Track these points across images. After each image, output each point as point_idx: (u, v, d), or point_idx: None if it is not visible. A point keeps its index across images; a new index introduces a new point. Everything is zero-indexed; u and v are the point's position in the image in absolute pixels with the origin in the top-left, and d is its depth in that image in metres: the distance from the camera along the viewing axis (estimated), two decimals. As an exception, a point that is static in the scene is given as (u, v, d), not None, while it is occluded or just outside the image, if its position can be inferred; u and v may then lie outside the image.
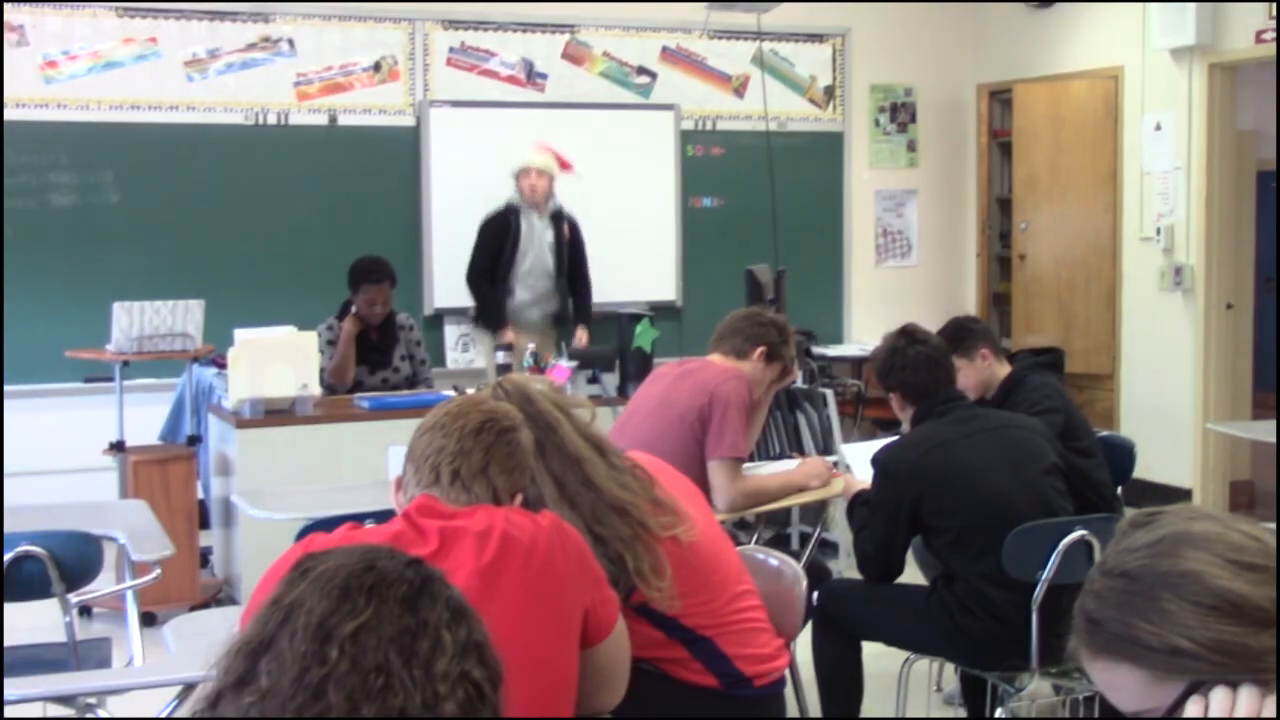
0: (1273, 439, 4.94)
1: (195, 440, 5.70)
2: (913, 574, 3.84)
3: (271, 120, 6.96)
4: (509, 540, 2.15)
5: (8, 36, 6.49)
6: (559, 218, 6.82)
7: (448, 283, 7.24)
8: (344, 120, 7.09)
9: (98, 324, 5.65)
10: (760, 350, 4.00)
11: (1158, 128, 7.18)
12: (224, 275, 6.74)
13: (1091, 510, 3.60)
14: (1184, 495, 6.97)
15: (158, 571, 3.58)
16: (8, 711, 2.58)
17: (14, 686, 2.60)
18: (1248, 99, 7.31)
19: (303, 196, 7.02)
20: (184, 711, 2.61)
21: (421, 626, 1.25)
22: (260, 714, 1.20)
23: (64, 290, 6.55)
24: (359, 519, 2.62)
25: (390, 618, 1.24)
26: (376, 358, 5.96)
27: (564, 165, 6.93)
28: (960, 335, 4.34)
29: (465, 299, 7.26)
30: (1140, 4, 7.17)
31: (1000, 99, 8.32)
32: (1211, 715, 1.25)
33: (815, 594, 3.59)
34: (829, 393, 6.10)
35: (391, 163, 7.18)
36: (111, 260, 6.63)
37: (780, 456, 5.44)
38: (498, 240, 6.71)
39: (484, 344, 6.91)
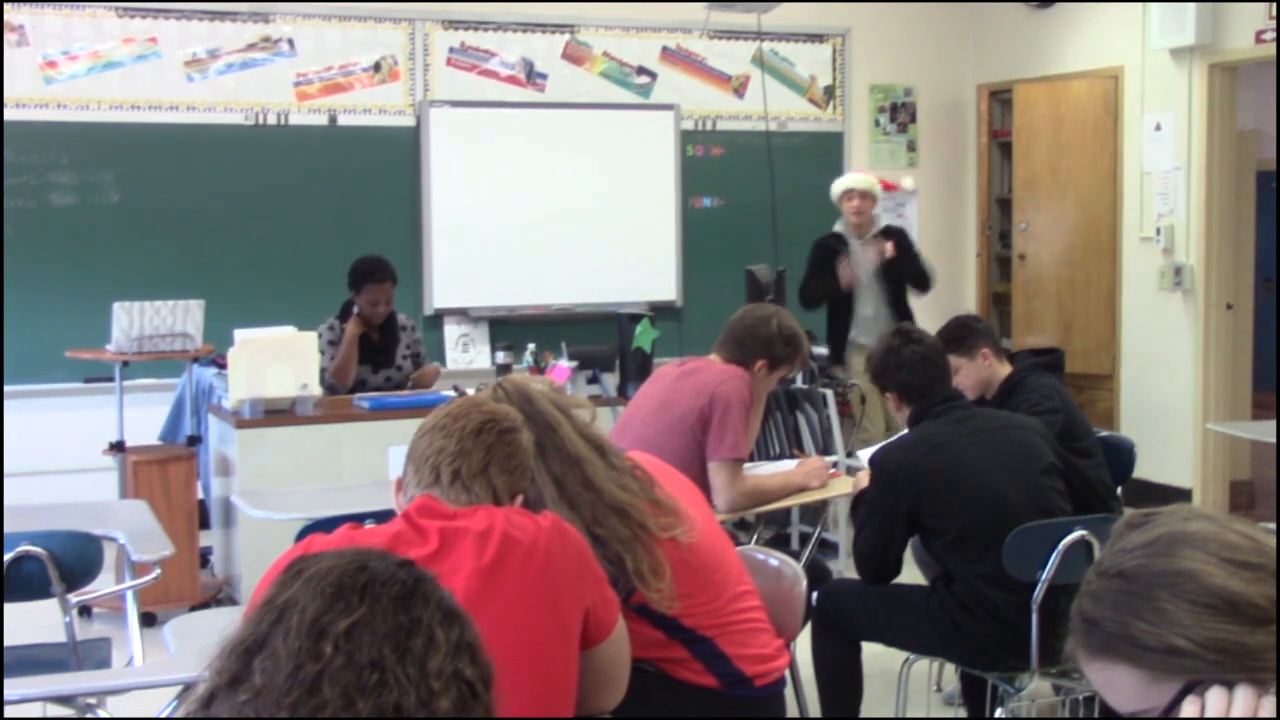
0: (1273, 439, 4.94)
1: (195, 440, 5.70)
2: (912, 574, 3.85)
3: (271, 120, 6.96)
4: (509, 540, 2.15)
5: (8, 36, 6.49)
6: (883, 236, 6.59)
7: (448, 283, 7.25)
8: (344, 120, 7.10)
9: (98, 324, 5.66)
10: (761, 363, 4.00)
11: (1158, 128, 7.18)
12: (224, 275, 6.74)
13: (1091, 511, 3.60)
14: (1184, 495, 6.96)
15: (158, 571, 3.58)
16: (8, 711, 2.59)
17: (14, 686, 2.60)
18: (1248, 99, 7.31)
19: (303, 196, 7.02)
20: (180, 713, 2.61)
21: (415, 624, 1.25)
22: (255, 712, 1.20)
23: (64, 290, 6.55)
24: (359, 519, 2.63)
25: (384, 615, 1.25)
26: (379, 357, 5.96)
27: (887, 185, 6.75)
28: (962, 334, 4.34)
29: (465, 299, 7.30)
30: (1140, 4, 7.17)
31: (1000, 99, 8.32)
32: (1208, 715, 1.25)
33: (815, 594, 3.59)
34: (829, 393, 6.10)
35: (391, 163, 7.18)
36: (111, 260, 6.63)
37: (780, 456, 5.44)
38: (822, 264, 6.55)
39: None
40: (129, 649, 3.54)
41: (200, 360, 5.76)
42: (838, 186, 6.69)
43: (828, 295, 6.60)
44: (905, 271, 6.59)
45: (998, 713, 3.56)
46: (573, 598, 2.20)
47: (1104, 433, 4.70)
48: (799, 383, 6.03)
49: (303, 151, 7.01)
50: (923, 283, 6.67)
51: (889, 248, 6.47)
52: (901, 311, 6.57)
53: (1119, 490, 4.33)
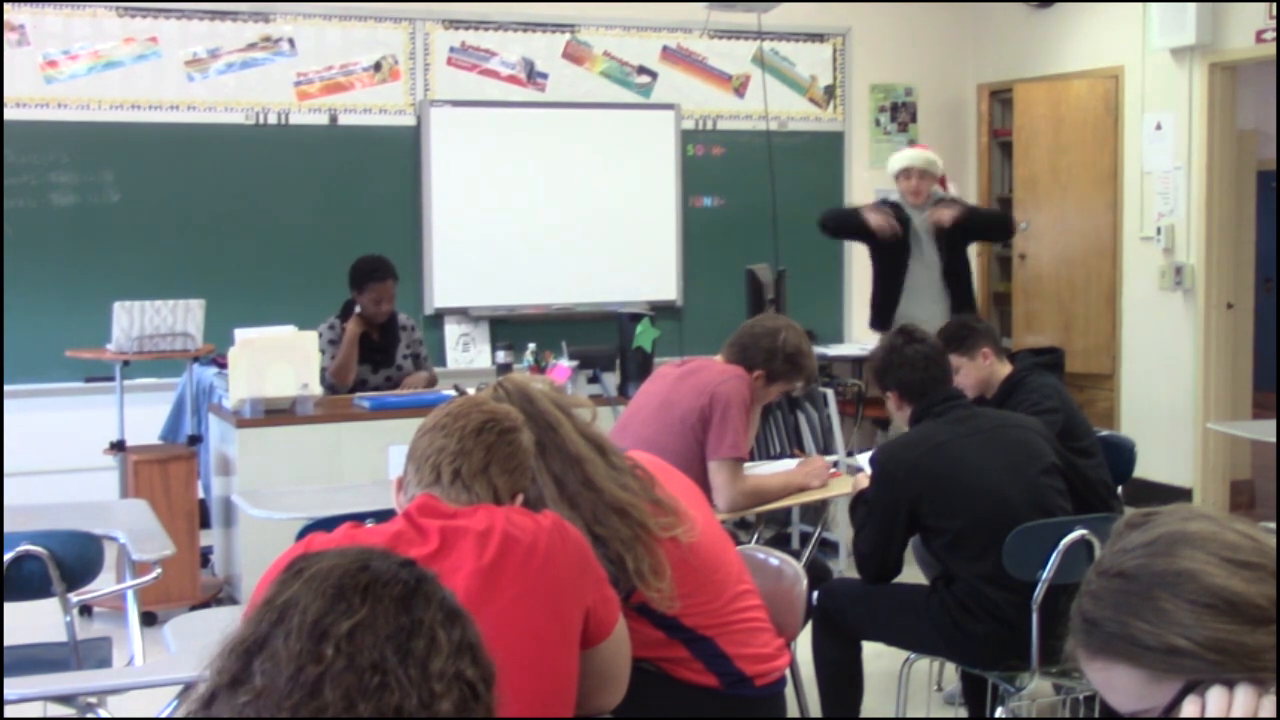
0: (1273, 439, 4.95)
1: (196, 440, 5.70)
2: (913, 574, 3.85)
3: (272, 120, 6.96)
4: (509, 540, 2.15)
5: (8, 36, 6.49)
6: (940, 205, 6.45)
7: (448, 282, 7.25)
8: (344, 120, 7.09)
9: (98, 324, 5.66)
10: (759, 374, 4.00)
11: (1158, 127, 7.18)
12: (224, 275, 6.74)
13: (1091, 510, 3.60)
14: (1184, 495, 6.96)
15: (158, 571, 3.58)
16: (8, 711, 2.59)
17: (14, 686, 2.61)
18: (1248, 99, 7.31)
19: (303, 196, 7.02)
20: (181, 713, 2.61)
21: (416, 626, 1.25)
22: (255, 713, 1.20)
23: (64, 290, 6.55)
24: (359, 519, 2.63)
25: (385, 617, 1.25)
26: (380, 357, 5.96)
27: (942, 183, 6.57)
28: (962, 334, 4.34)
29: (465, 299, 7.29)
30: (1140, 4, 7.17)
31: (1000, 99, 8.32)
32: (1209, 715, 1.25)
33: (815, 594, 3.59)
34: (829, 393, 6.10)
35: (391, 163, 7.18)
36: (112, 260, 6.63)
37: (780, 456, 5.44)
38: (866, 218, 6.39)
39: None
40: (129, 648, 3.54)
41: (201, 360, 5.76)
42: (894, 163, 6.50)
43: (850, 227, 6.49)
44: (977, 227, 6.58)
45: (998, 712, 3.56)
46: (573, 597, 2.20)
47: (1104, 432, 4.70)
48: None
49: (303, 151, 7.01)
50: (1000, 227, 6.90)
51: (946, 216, 6.32)
52: (956, 281, 6.44)
53: (1119, 490, 4.33)
